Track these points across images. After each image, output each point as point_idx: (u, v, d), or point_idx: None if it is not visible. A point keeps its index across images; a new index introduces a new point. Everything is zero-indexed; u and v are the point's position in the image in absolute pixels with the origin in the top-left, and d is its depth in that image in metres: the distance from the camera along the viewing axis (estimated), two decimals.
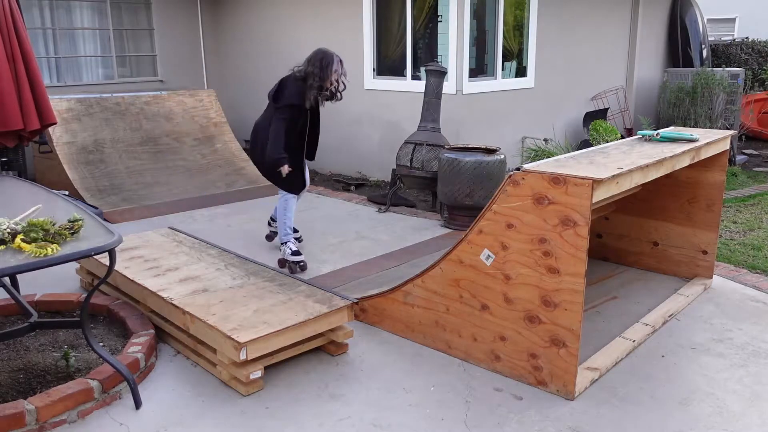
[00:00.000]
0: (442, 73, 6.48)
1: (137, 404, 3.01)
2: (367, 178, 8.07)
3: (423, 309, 3.57)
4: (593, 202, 2.84)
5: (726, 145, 4.29)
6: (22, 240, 2.68)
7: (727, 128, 9.17)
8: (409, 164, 6.36)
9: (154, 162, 7.45)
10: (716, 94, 9.02)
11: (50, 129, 6.68)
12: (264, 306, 3.38)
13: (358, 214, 6.45)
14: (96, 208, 5.72)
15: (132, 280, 3.77)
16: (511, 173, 3.06)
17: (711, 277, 4.53)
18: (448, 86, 7.02)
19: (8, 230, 2.72)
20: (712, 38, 13.12)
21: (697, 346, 3.64)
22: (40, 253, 2.60)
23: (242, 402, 3.06)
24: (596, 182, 2.82)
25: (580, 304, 2.93)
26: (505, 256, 3.14)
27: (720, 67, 11.15)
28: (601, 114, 9.09)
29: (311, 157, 5.02)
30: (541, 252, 3.01)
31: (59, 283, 4.52)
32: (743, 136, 10.54)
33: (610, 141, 8.21)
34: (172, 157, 7.64)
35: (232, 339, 3.02)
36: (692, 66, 10.63)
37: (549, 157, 5.20)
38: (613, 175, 2.94)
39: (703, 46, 10.85)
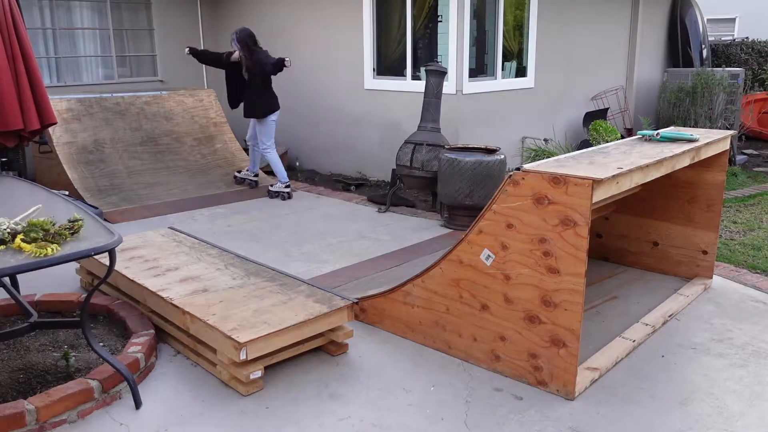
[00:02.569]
0: (442, 73, 6.48)
1: (137, 404, 3.01)
2: (367, 178, 8.07)
3: (423, 309, 3.57)
4: (593, 202, 2.84)
5: (726, 145, 4.30)
6: (22, 240, 2.68)
7: (727, 128, 9.17)
8: (409, 164, 6.36)
9: (154, 162, 7.45)
10: (716, 94, 9.02)
11: (50, 129, 6.68)
12: (264, 306, 3.38)
13: (358, 214, 6.45)
14: (96, 208, 5.72)
15: (132, 280, 3.77)
16: (511, 173, 3.06)
17: (711, 277, 4.54)
18: (448, 86, 7.02)
19: (8, 230, 2.73)
20: (712, 38, 13.12)
21: (697, 346, 3.64)
22: (40, 253, 2.60)
23: (242, 402, 3.07)
24: (596, 182, 2.82)
25: (580, 304, 2.93)
26: (505, 256, 3.14)
27: (720, 67, 11.15)
28: (601, 114, 9.09)
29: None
30: (541, 252, 3.01)
31: (59, 283, 4.52)
32: (743, 136, 10.54)
33: (610, 141, 8.21)
34: (172, 157, 7.64)
35: (232, 339, 3.02)
36: (692, 66, 10.63)
37: (549, 157, 5.20)
38: (613, 175, 2.94)
39: (703, 46, 10.86)
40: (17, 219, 2.88)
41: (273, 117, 7.00)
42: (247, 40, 6.81)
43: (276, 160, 7.10)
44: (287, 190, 7.09)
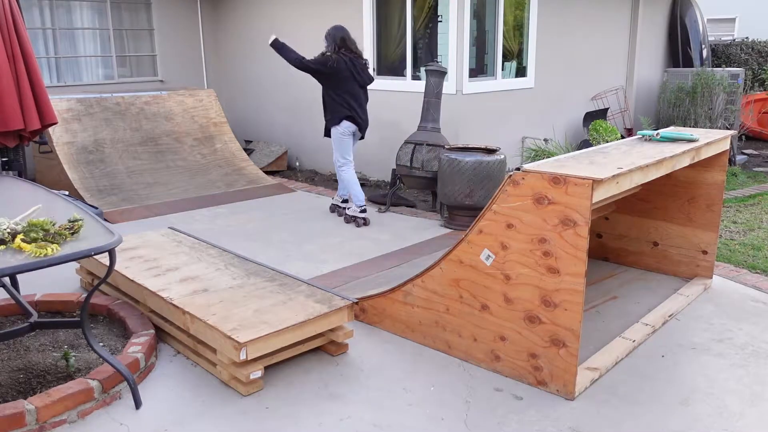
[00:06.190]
0: (442, 73, 6.48)
1: (137, 404, 3.01)
2: (367, 178, 8.07)
3: (423, 309, 3.57)
4: (593, 202, 2.84)
5: (726, 145, 4.30)
6: (22, 240, 2.68)
7: (727, 128, 9.17)
8: (409, 164, 6.36)
9: (154, 162, 7.45)
10: (716, 94, 9.02)
11: (50, 129, 6.68)
12: (264, 306, 3.38)
13: None
14: (96, 208, 5.72)
15: (132, 280, 3.77)
16: (511, 173, 3.06)
17: (711, 277, 4.54)
18: (448, 86, 7.02)
19: (8, 230, 2.73)
20: (712, 38, 13.12)
21: (697, 346, 3.64)
22: (40, 253, 2.60)
23: (242, 402, 3.07)
24: (596, 182, 2.82)
25: (580, 304, 2.93)
26: (505, 256, 3.14)
27: (720, 67, 11.15)
28: (601, 114, 9.10)
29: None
30: (541, 252, 3.01)
31: (59, 283, 4.52)
32: (743, 136, 10.54)
33: (610, 141, 8.21)
34: (172, 157, 7.64)
35: (232, 339, 3.02)
36: (692, 66, 10.63)
37: (549, 157, 5.20)
38: (613, 175, 2.94)
39: (703, 46, 10.86)
40: (17, 219, 2.88)
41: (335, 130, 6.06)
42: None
43: (346, 178, 6.10)
44: (363, 215, 6.06)
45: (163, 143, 7.70)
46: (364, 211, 6.07)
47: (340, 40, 5.87)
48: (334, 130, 6.01)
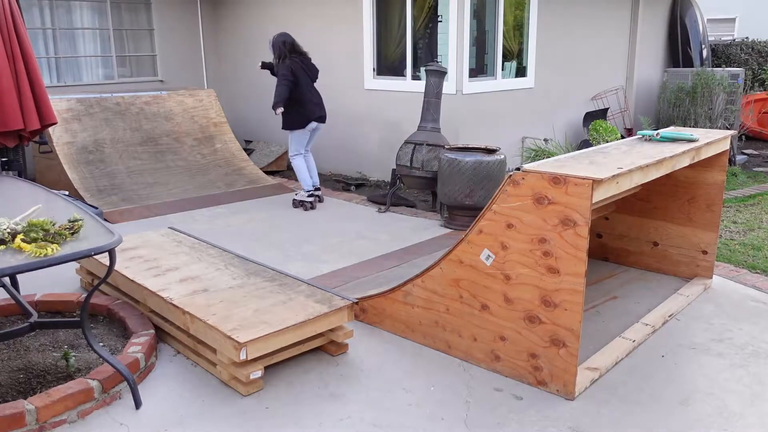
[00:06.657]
0: (442, 73, 6.48)
1: (137, 404, 3.01)
2: (367, 178, 8.07)
3: (423, 309, 3.57)
4: (593, 202, 2.84)
5: (726, 145, 4.30)
6: (22, 240, 2.68)
7: (727, 128, 9.17)
8: (409, 164, 6.36)
9: (154, 162, 7.45)
10: (716, 94, 9.02)
11: (50, 129, 6.68)
12: (264, 306, 3.38)
13: (358, 214, 6.45)
14: (96, 208, 5.72)
15: (132, 280, 3.77)
16: (511, 173, 3.06)
17: (711, 277, 4.54)
18: (448, 86, 7.02)
19: (8, 230, 2.73)
20: (712, 38, 13.13)
21: (697, 346, 3.64)
22: (40, 253, 2.60)
23: (242, 402, 3.07)
24: (596, 182, 2.82)
25: (580, 304, 2.93)
26: (505, 256, 3.14)
27: (720, 67, 11.15)
28: (601, 114, 9.10)
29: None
30: (541, 252, 3.01)
31: (59, 283, 4.52)
32: (743, 136, 10.54)
33: (610, 141, 8.22)
34: (172, 157, 7.64)
35: (232, 339, 3.02)
36: (692, 66, 10.63)
37: (549, 157, 5.20)
38: (613, 175, 2.94)
39: (703, 46, 10.86)
40: (17, 219, 2.88)
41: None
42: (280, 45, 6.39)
43: (297, 165, 6.62)
44: (310, 199, 6.59)
45: (163, 143, 7.70)
46: (312, 196, 6.58)
47: (290, 46, 6.31)
48: (299, 131, 6.48)
